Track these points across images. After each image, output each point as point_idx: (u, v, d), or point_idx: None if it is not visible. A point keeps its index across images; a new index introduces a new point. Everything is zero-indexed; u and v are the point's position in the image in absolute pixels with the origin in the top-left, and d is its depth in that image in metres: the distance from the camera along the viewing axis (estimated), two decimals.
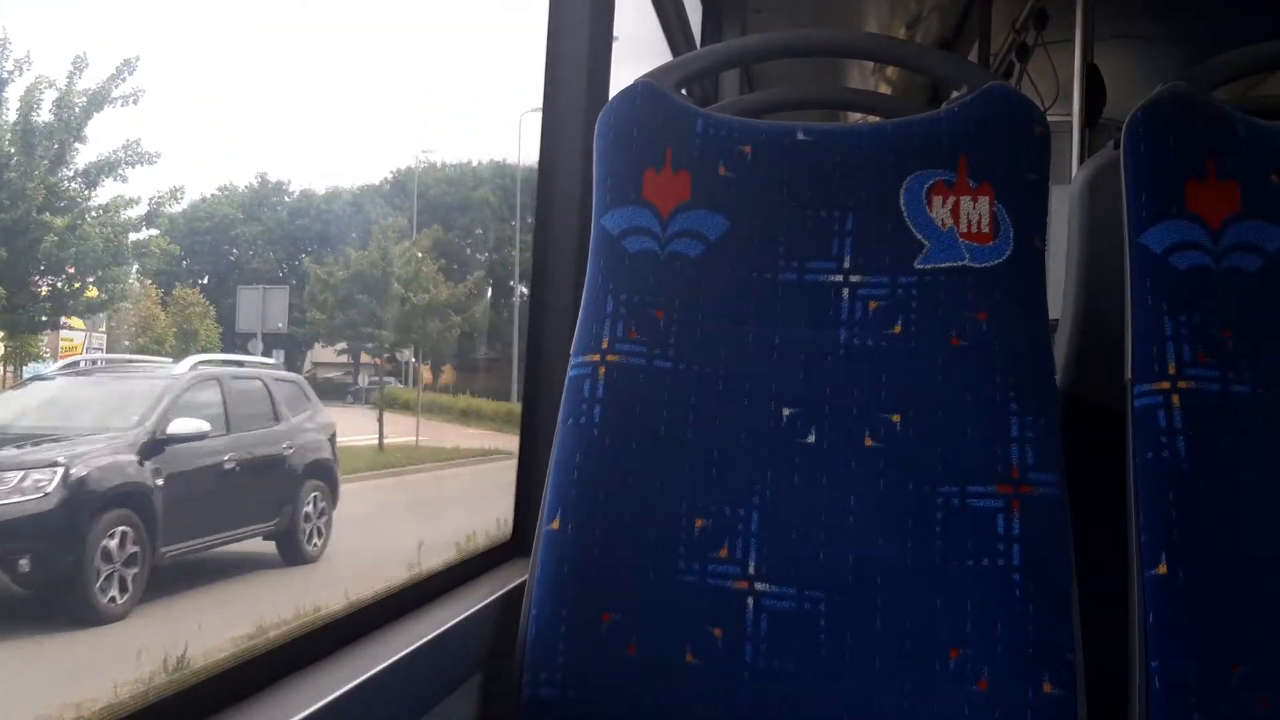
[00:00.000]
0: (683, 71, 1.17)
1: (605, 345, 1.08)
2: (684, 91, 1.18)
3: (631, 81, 1.15)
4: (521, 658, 1.03)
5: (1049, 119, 1.12)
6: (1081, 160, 2.47)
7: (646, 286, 1.09)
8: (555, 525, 1.04)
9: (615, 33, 1.48)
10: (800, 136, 1.10)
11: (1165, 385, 1.02)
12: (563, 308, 1.37)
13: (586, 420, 1.06)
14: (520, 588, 1.09)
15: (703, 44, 2.87)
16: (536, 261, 1.41)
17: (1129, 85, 2.86)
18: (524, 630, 1.03)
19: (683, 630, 1.02)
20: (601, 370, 1.07)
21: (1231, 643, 0.97)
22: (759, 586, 1.02)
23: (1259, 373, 1.03)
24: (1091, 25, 2.60)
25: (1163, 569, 0.98)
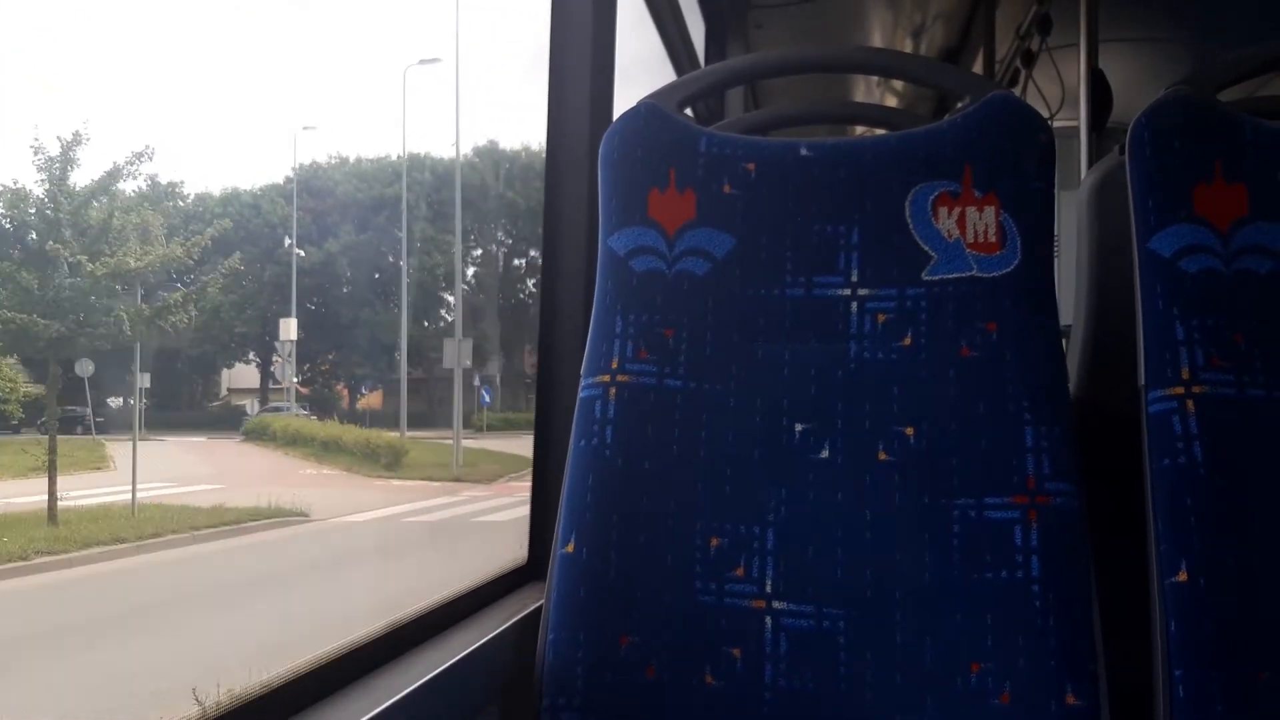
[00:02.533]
0: (685, 91, 1.17)
1: (615, 366, 1.08)
2: (689, 111, 1.18)
3: (635, 103, 1.16)
4: (540, 682, 1.02)
5: (1056, 124, 1.12)
6: (1089, 165, 2.47)
7: (655, 306, 1.09)
8: (570, 548, 1.04)
9: (618, 54, 1.49)
10: (804, 152, 1.10)
11: (1180, 390, 1.01)
12: (572, 329, 1.37)
13: (599, 441, 1.06)
14: (537, 612, 1.08)
15: (706, 62, 2.88)
16: (545, 283, 1.42)
17: (1135, 88, 2.85)
18: (542, 654, 1.03)
19: (702, 651, 1.01)
20: (612, 391, 1.07)
21: (1255, 649, 0.96)
22: (777, 605, 1.01)
23: (1273, 375, 1.02)
24: (1096, 29, 2.59)
25: (1183, 576, 0.97)
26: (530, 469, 1.39)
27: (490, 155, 22.39)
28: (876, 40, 3.49)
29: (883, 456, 1.03)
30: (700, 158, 1.11)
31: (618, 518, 1.04)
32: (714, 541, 1.03)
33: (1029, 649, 0.96)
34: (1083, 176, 2.07)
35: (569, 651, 1.02)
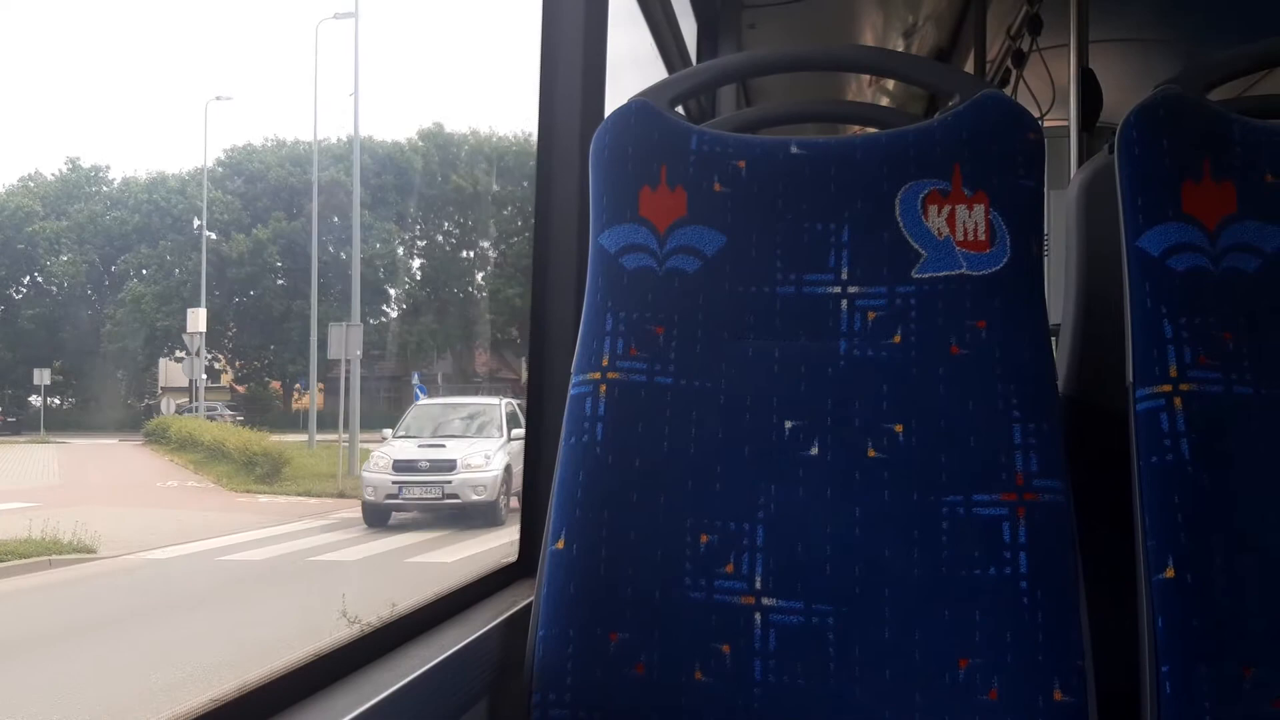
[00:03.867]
0: (677, 89, 1.18)
1: (605, 363, 1.08)
2: (681, 109, 1.18)
3: (626, 100, 1.16)
4: (530, 679, 1.02)
5: (1046, 124, 1.13)
6: (1079, 165, 2.47)
7: (645, 303, 1.09)
8: (560, 545, 1.04)
9: (610, 51, 1.49)
10: (794, 150, 1.10)
11: (1167, 388, 1.02)
12: (563, 326, 1.37)
13: (589, 438, 1.06)
14: (527, 609, 1.08)
15: (698, 61, 2.88)
16: (536, 281, 1.42)
17: (1125, 89, 2.86)
18: (532, 651, 1.03)
19: (691, 648, 1.02)
20: (602, 388, 1.07)
21: (1242, 645, 0.96)
22: (766, 602, 1.02)
23: (1261, 373, 1.02)
24: (1086, 30, 2.60)
25: (1170, 573, 0.98)
26: None
27: (435, 139, 21.29)
28: (868, 40, 3.50)
29: (872, 454, 1.03)
30: (691, 155, 1.11)
31: (608, 514, 1.04)
32: (704, 538, 1.03)
33: (1017, 645, 0.96)
34: (1072, 175, 2.08)
35: (559, 647, 1.02)
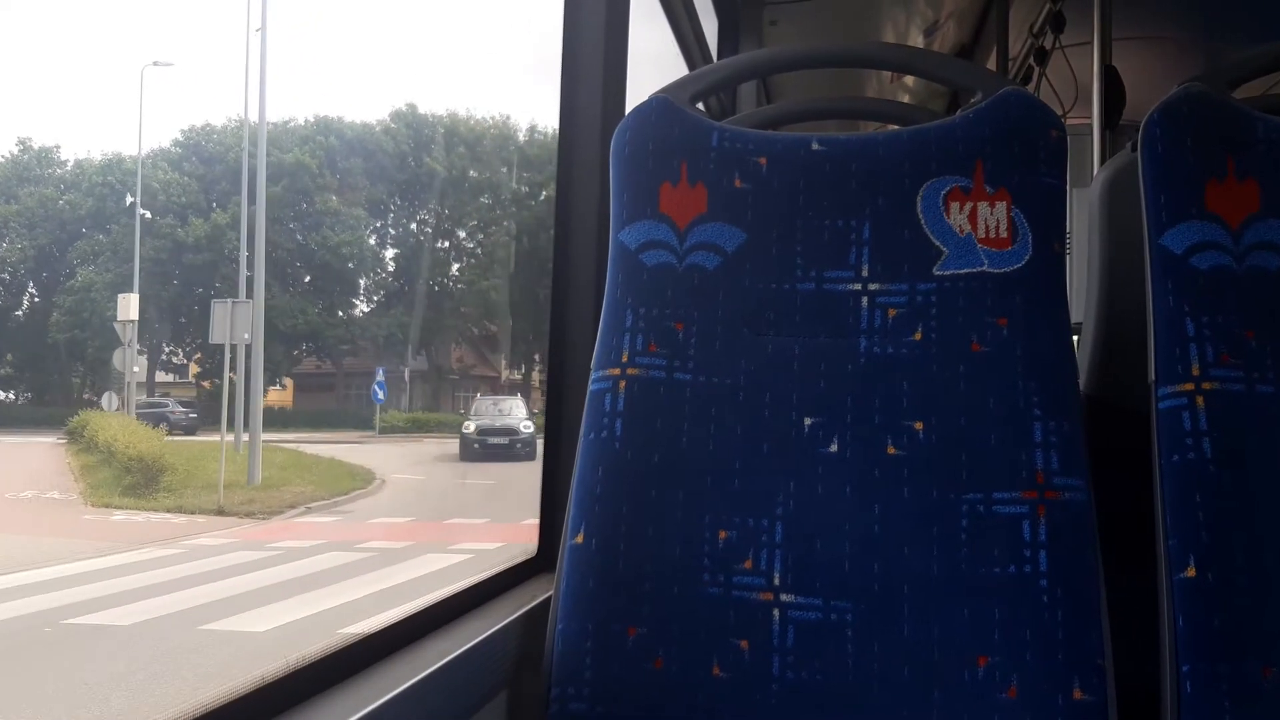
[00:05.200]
0: (697, 86, 1.18)
1: (625, 359, 1.08)
2: (702, 105, 1.18)
3: (646, 97, 1.16)
4: (549, 673, 1.03)
5: (1069, 122, 1.13)
6: (1102, 162, 2.46)
7: (665, 300, 1.09)
8: (579, 539, 1.04)
9: (630, 48, 1.49)
10: (815, 146, 1.10)
11: (1189, 387, 1.01)
12: (583, 323, 1.37)
13: (608, 434, 1.06)
14: (546, 603, 1.09)
15: (719, 57, 2.88)
16: (556, 277, 1.42)
17: (1149, 86, 2.84)
18: (550, 645, 1.03)
19: (709, 643, 1.02)
20: (622, 384, 1.07)
21: (1263, 645, 0.96)
22: (785, 598, 1.02)
23: None
24: (1109, 27, 2.59)
25: (1191, 572, 0.97)
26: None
27: (407, 120, 20.32)
28: (890, 37, 3.49)
29: (892, 451, 1.03)
30: (712, 152, 1.11)
31: (627, 510, 1.04)
32: (722, 534, 1.03)
33: (1037, 643, 0.96)
34: (1095, 173, 2.07)
35: (577, 642, 1.02)
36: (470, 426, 17.53)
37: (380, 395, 18.10)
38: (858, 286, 1.07)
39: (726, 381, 1.07)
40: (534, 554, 1.36)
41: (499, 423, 17.71)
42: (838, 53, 1.22)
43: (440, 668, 0.95)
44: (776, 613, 1.02)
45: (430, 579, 8.13)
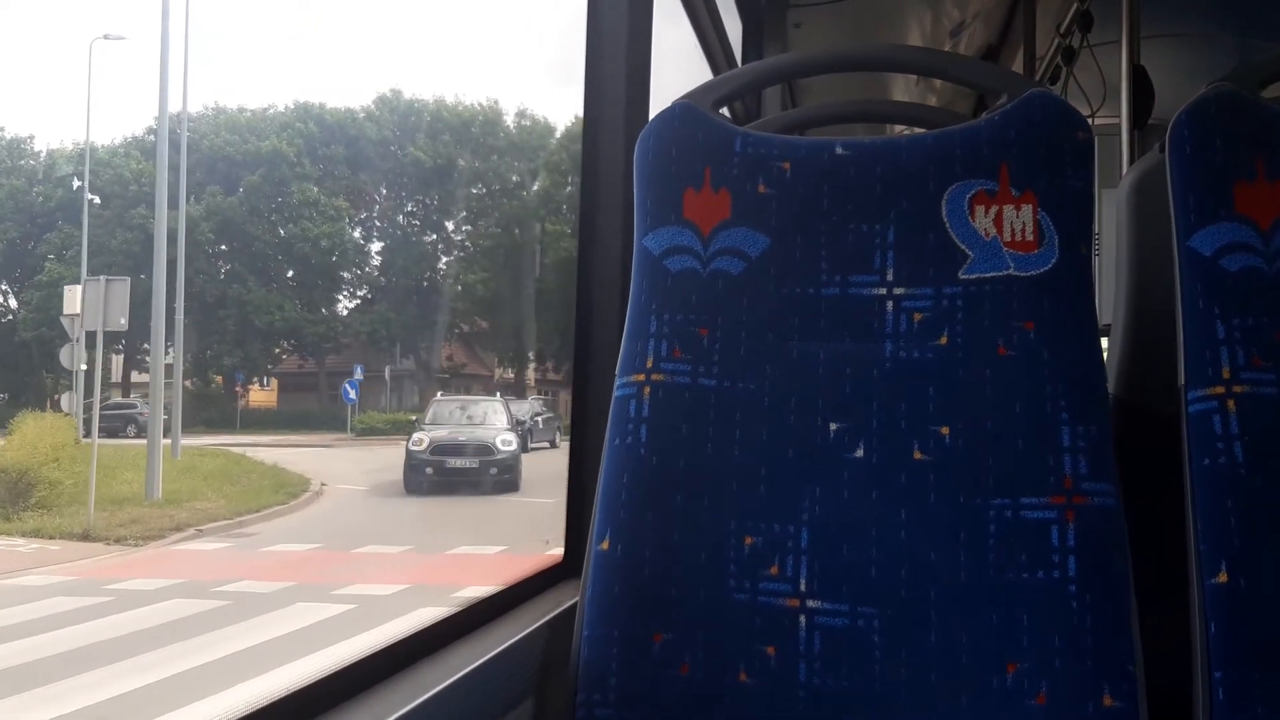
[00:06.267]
0: (721, 91, 1.18)
1: (650, 365, 1.08)
2: (726, 110, 1.18)
3: (670, 102, 1.16)
4: (575, 679, 1.03)
5: (1097, 122, 1.12)
6: (1131, 163, 2.44)
7: (689, 305, 1.09)
8: (605, 545, 1.05)
9: (653, 48, 1.50)
10: (839, 151, 1.10)
11: (1220, 390, 1.00)
12: (607, 329, 1.38)
13: (633, 440, 1.07)
14: (572, 609, 1.09)
15: (743, 60, 2.88)
16: (580, 283, 1.43)
17: (1178, 84, 2.81)
18: (577, 651, 1.04)
19: (735, 649, 1.02)
20: (646, 390, 1.08)
21: None
22: (811, 604, 1.01)
23: None
24: (1137, 26, 2.56)
25: (1223, 577, 0.96)
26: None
27: (390, 106, 19.41)
28: (916, 38, 3.47)
29: (918, 456, 1.02)
30: (735, 157, 1.11)
31: (652, 516, 1.05)
32: (748, 540, 1.03)
33: (1066, 649, 0.95)
34: (1123, 174, 2.05)
35: (603, 648, 1.02)
36: (422, 441, 12.71)
37: (351, 395, 16.56)
38: (883, 291, 1.07)
39: (751, 387, 1.07)
40: (560, 560, 1.36)
41: (464, 436, 12.75)
42: (862, 56, 1.22)
43: (468, 673, 0.96)
44: (803, 619, 1.01)
45: (262, 650, 6.27)
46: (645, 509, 1.05)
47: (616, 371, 1.10)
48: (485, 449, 12.77)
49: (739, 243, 1.10)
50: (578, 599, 1.07)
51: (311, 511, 11.96)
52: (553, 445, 15.44)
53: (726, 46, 2.66)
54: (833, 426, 1.05)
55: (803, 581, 1.02)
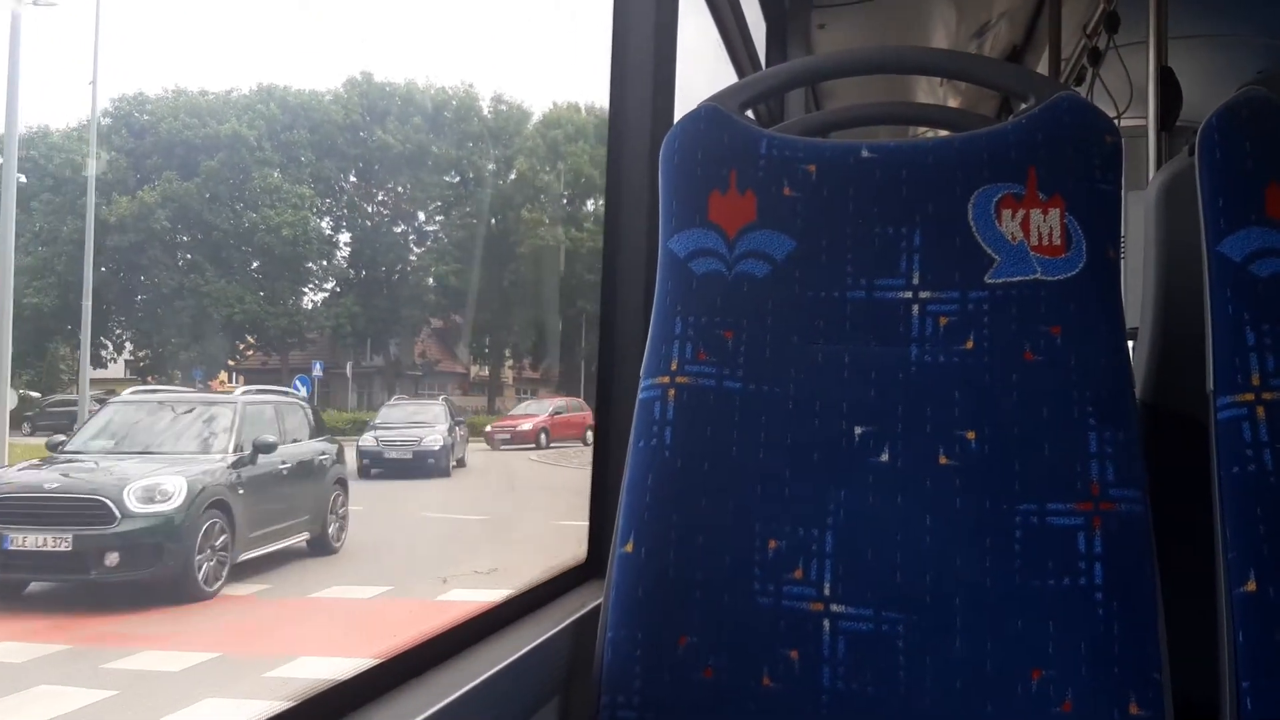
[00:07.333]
0: (746, 94, 1.18)
1: (674, 367, 1.08)
2: (750, 112, 1.18)
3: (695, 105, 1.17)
4: (599, 681, 1.03)
5: (1125, 123, 1.11)
6: (1159, 165, 2.43)
7: (714, 308, 1.09)
8: (629, 548, 1.05)
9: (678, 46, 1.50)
10: (865, 154, 1.10)
11: (1249, 397, 1.00)
12: (632, 330, 1.38)
13: (658, 442, 1.07)
14: (596, 610, 1.09)
15: (767, 60, 2.87)
16: (605, 285, 1.43)
17: (1206, 85, 2.80)
18: (600, 653, 1.04)
19: (759, 653, 1.02)
20: (671, 392, 1.08)
21: None
22: (835, 608, 1.01)
23: None
24: (1165, 26, 2.55)
25: (1252, 586, 0.96)
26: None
27: (360, 89, 18.39)
28: (940, 39, 3.46)
29: (944, 460, 1.02)
30: (761, 160, 1.11)
31: (676, 518, 1.05)
32: (772, 543, 1.03)
33: (1092, 657, 0.95)
34: (1151, 176, 2.04)
35: (627, 650, 1.03)
36: (368, 440, 13.17)
37: (302, 392, 14.96)
38: (908, 294, 1.07)
39: (776, 390, 1.07)
40: (584, 561, 1.37)
41: (399, 436, 13.47)
42: (886, 59, 1.21)
43: (494, 674, 0.96)
44: (827, 623, 1.01)
45: None
46: (669, 511, 1.05)
47: (641, 373, 1.11)
48: (415, 441, 12.82)
49: (764, 245, 1.10)
50: (601, 600, 1.07)
51: None
52: (460, 464, 13.82)
53: (750, 46, 2.66)
54: (858, 430, 1.05)
55: (827, 585, 1.02)
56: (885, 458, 1.03)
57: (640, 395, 1.10)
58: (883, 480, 1.03)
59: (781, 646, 1.01)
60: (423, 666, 0.97)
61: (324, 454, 8.17)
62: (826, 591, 1.02)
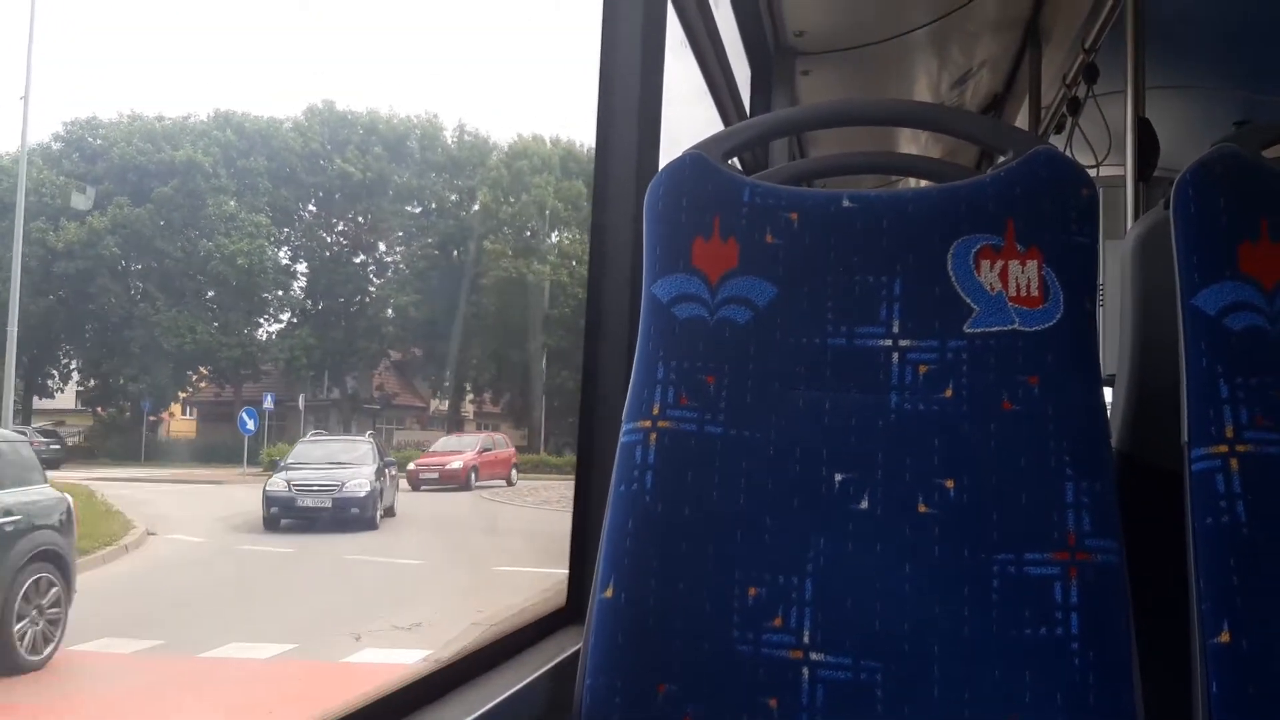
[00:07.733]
0: (730, 143, 1.19)
1: (656, 411, 1.09)
2: (734, 160, 1.19)
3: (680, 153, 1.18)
4: None
5: (1103, 172, 1.13)
6: (1136, 215, 2.46)
7: (696, 353, 1.10)
8: (609, 593, 1.05)
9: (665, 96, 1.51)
10: (846, 203, 1.11)
11: (1223, 449, 1.01)
12: (614, 374, 1.38)
13: (639, 487, 1.07)
14: (575, 656, 1.09)
15: (751, 107, 2.90)
16: (589, 329, 1.44)
17: (1184, 135, 2.84)
18: (579, 700, 1.03)
19: (738, 701, 1.01)
20: (653, 437, 1.08)
21: None
22: (814, 656, 1.01)
23: None
24: (1142, 79, 2.59)
25: (1225, 637, 0.96)
26: None
27: (321, 118, 18.20)
28: (922, 87, 3.50)
29: (923, 509, 1.02)
30: (744, 207, 1.12)
31: (657, 564, 1.05)
32: (752, 591, 1.03)
33: (1068, 706, 0.95)
34: (1129, 226, 2.06)
35: (606, 697, 1.02)
36: (278, 483, 10.95)
37: (249, 425, 14.83)
38: (888, 342, 1.07)
39: (757, 435, 1.07)
40: (563, 607, 1.36)
41: (317, 479, 11.10)
42: (868, 111, 1.23)
43: None
44: (806, 671, 1.01)
45: None
46: (650, 557, 1.05)
47: (623, 417, 1.11)
48: (333, 486, 10.98)
49: (746, 292, 1.11)
50: (580, 647, 1.07)
51: (85, 578, 7.57)
52: (389, 513, 12.07)
53: (735, 90, 2.69)
54: (838, 477, 1.05)
55: (806, 633, 1.02)
56: (865, 505, 1.04)
57: (622, 439, 1.10)
58: (862, 527, 1.03)
59: (761, 695, 1.01)
60: (398, 713, 0.97)
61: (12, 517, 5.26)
62: (806, 639, 1.02)
